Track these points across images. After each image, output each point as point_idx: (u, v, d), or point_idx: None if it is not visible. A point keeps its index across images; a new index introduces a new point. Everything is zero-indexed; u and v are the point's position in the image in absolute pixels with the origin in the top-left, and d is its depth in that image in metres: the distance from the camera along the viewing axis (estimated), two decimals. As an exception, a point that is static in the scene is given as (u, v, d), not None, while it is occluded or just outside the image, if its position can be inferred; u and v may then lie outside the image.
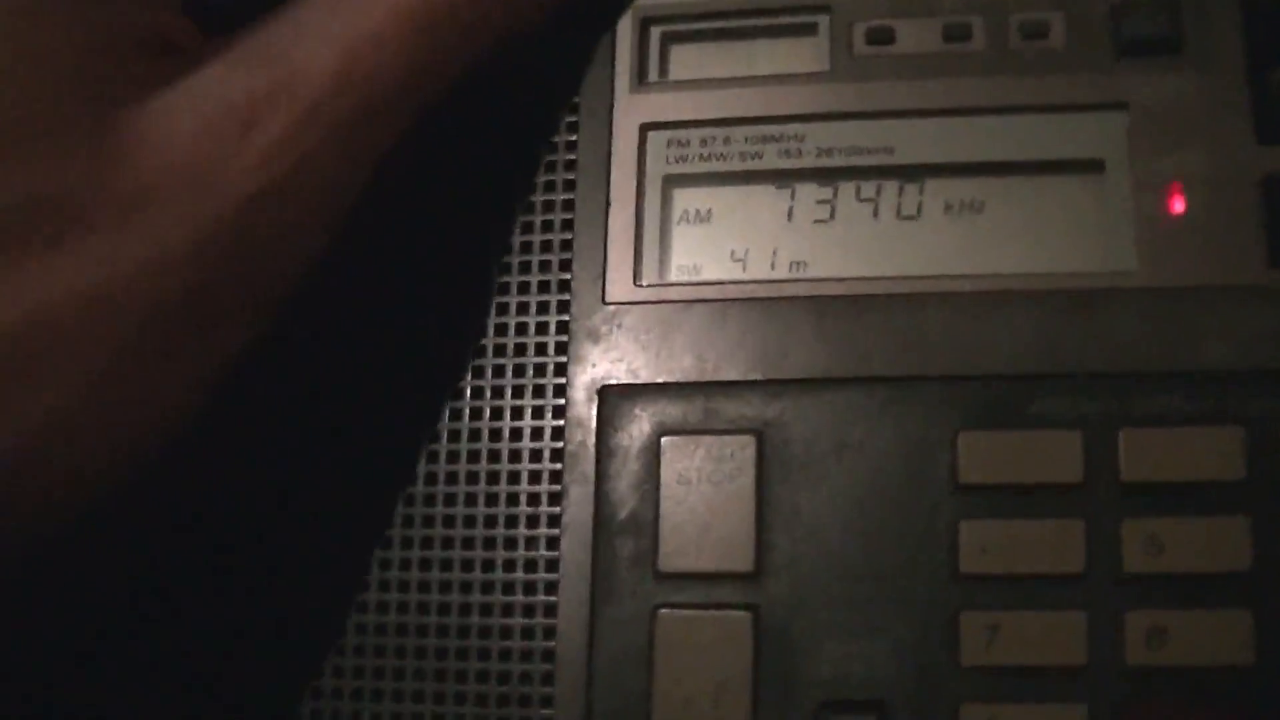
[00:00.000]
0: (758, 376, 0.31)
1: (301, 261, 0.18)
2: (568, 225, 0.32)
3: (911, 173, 0.32)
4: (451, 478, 0.31)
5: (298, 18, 0.17)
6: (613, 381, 0.31)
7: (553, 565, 0.31)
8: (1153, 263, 0.31)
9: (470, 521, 0.31)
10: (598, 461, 0.31)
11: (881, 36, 0.32)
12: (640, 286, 0.32)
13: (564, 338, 0.32)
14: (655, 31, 0.34)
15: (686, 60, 0.33)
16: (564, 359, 0.32)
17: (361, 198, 0.17)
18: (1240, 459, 0.29)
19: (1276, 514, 0.29)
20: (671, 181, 0.33)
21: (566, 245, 0.32)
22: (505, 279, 0.32)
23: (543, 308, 0.32)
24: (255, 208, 0.18)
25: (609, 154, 0.32)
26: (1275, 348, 0.30)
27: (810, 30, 0.33)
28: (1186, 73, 0.32)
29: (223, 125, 0.17)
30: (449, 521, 0.31)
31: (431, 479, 0.31)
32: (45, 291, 0.16)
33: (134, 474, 0.17)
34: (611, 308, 0.32)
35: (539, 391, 0.31)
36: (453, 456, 0.31)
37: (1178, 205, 0.31)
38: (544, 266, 0.32)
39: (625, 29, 0.33)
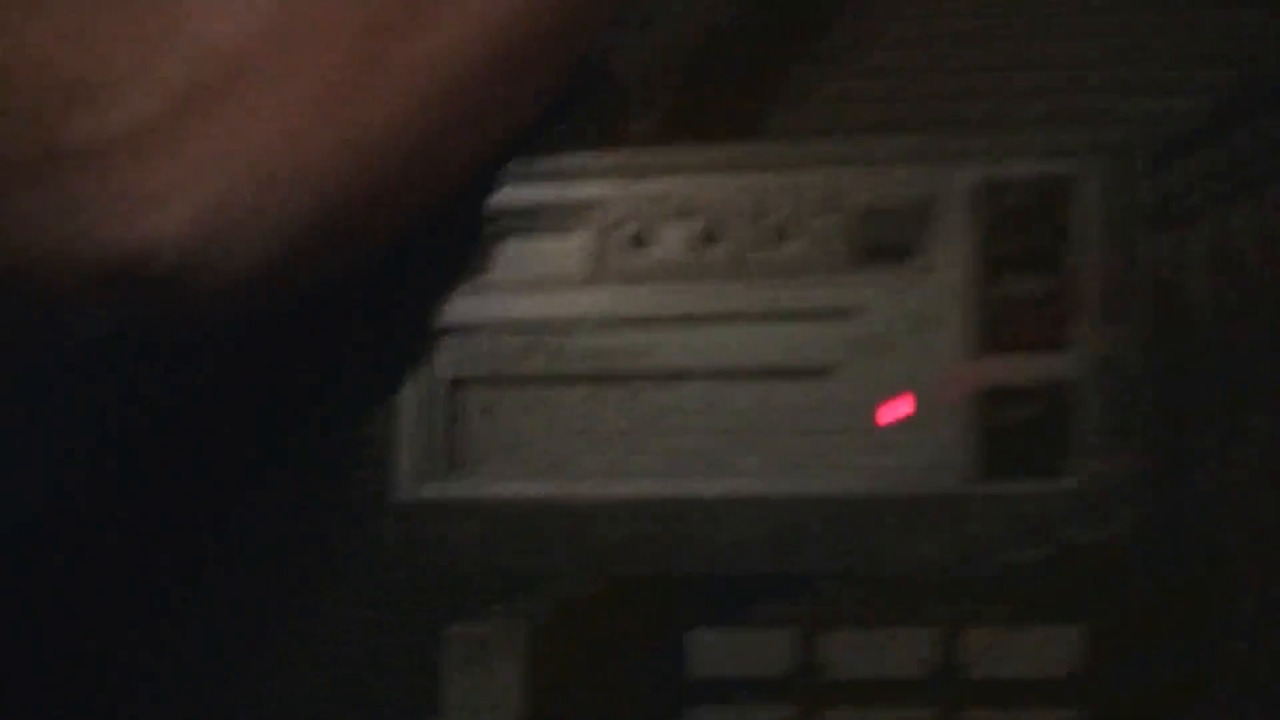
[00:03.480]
0: (528, 577, 0.35)
1: None
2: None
3: (667, 378, 0.35)
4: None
5: None
6: (402, 580, 0.36)
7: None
8: (872, 471, 0.33)
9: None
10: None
11: (641, 240, 0.35)
12: (424, 486, 0.36)
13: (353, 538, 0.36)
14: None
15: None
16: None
17: None
18: (933, 657, 0.33)
19: (962, 708, 0.32)
20: (458, 384, 0.36)
21: (356, 447, 0.36)
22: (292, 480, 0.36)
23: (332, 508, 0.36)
24: None
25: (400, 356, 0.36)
26: (975, 552, 0.33)
27: (576, 230, 0.36)
28: (914, 281, 0.34)
29: None
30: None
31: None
32: None
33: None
34: (399, 508, 0.36)
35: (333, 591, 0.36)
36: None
37: (899, 413, 0.34)
38: (334, 469, 0.36)
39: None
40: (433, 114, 0.32)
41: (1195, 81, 0.38)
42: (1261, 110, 0.35)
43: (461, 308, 0.36)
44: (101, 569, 0.37)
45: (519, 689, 0.35)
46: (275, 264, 0.31)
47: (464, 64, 0.32)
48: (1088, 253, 0.33)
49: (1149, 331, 0.32)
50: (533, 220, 0.36)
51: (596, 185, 0.36)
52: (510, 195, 0.36)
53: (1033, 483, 0.33)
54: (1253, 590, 0.36)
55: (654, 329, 0.35)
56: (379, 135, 0.31)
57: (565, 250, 0.36)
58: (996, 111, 0.37)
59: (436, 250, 0.36)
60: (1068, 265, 0.33)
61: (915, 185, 0.34)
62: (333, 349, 0.36)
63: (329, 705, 0.36)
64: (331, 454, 0.36)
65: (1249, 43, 0.38)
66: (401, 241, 0.34)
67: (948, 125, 0.34)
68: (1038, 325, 0.33)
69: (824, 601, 0.33)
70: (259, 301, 0.31)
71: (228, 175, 0.30)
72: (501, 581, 0.35)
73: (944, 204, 0.33)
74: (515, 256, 0.36)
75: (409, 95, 0.32)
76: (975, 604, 0.33)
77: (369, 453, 0.36)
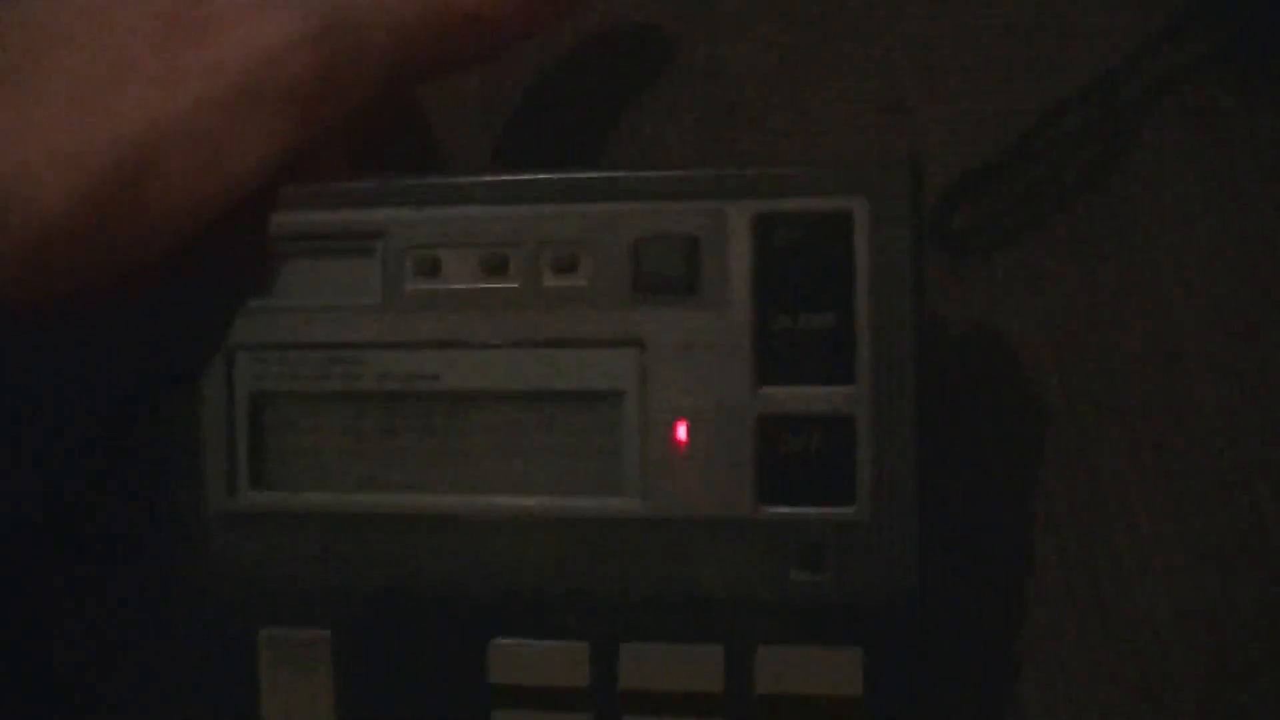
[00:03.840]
0: (332, 584, 0.37)
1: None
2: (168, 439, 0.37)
3: (456, 399, 0.36)
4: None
5: None
6: (218, 582, 0.38)
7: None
8: (658, 494, 0.35)
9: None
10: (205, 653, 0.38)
11: (429, 268, 0.36)
12: (233, 497, 0.37)
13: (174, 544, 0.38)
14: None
15: (272, 280, 0.37)
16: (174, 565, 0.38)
17: None
18: (719, 673, 0.35)
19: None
20: (260, 397, 0.37)
21: (169, 457, 0.37)
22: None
23: (153, 517, 0.38)
24: None
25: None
26: (758, 575, 0.35)
27: (369, 253, 0.36)
28: (699, 312, 0.34)
29: None
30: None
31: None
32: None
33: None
34: (214, 517, 0.37)
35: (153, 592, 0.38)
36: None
37: (681, 439, 0.35)
38: (150, 477, 0.37)
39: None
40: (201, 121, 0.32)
41: (978, 120, 0.38)
42: (1044, 149, 0.36)
43: (259, 326, 0.36)
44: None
45: (330, 693, 0.36)
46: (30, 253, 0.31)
47: (239, 82, 0.33)
48: (863, 288, 0.33)
49: (918, 368, 0.33)
50: (326, 243, 0.36)
51: (386, 211, 0.35)
52: (306, 218, 0.36)
53: (813, 510, 0.34)
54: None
55: (447, 352, 0.35)
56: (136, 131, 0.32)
57: (358, 273, 0.36)
58: (778, 150, 0.37)
59: (231, 267, 0.36)
60: (845, 300, 0.33)
61: (694, 218, 0.34)
62: (126, 358, 0.36)
63: (154, 707, 0.38)
64: (144, 465, 0.37)
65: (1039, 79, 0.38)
66: (186, 253, 0.34)
67: (730, 163, 0.34)
68: (817, 358, 0.34)
69: (618, 617, 0.35)
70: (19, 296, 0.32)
71: None
72: (311, 589, 0.36)
73: (722, 238, 0.34)
74: (310, 278, 0.36)
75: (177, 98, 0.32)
76: (762, 624, 0.34)
77: (179, 464, 0.37)
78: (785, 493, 0.34)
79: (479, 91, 0.44)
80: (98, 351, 0.35)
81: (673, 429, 0.34)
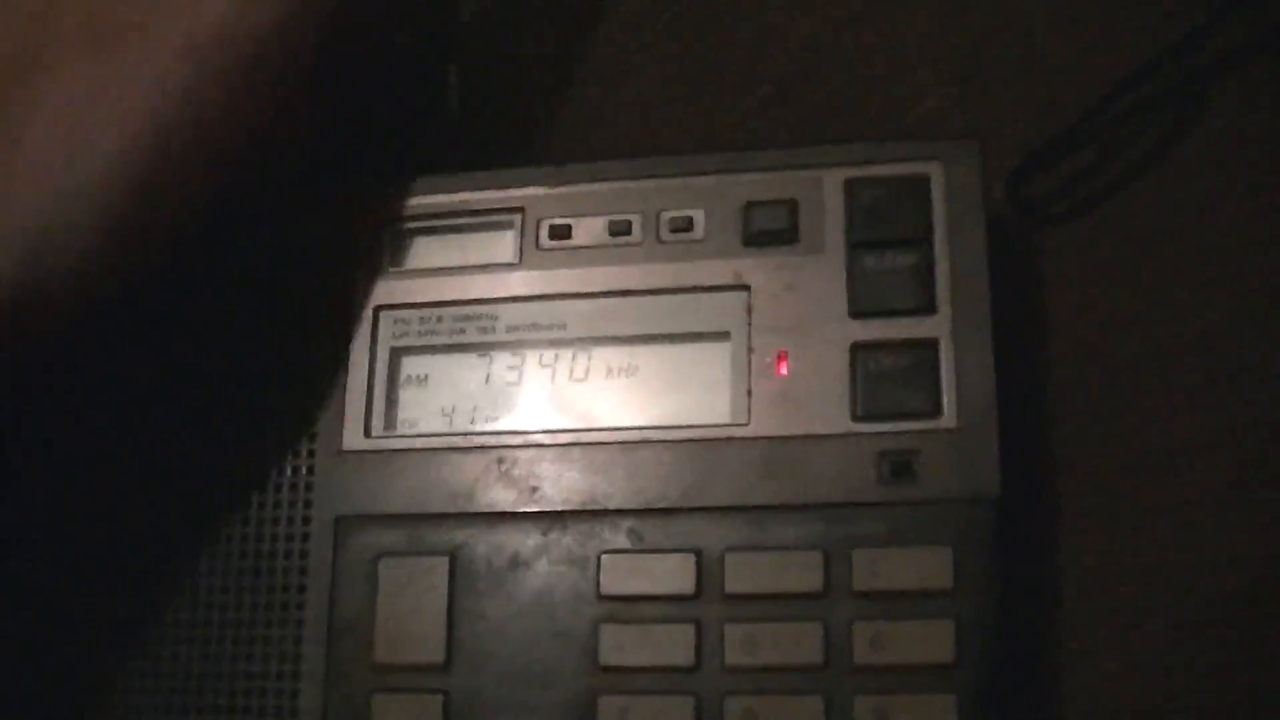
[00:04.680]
0: (452, 510, 0.40)
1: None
2: (315, 387, 0.41)
3: (581, 344, 0.41)
4: (209, 588, 0.41)
5: None
6: (346, 514, 0.40)
7: (293, 658, 0.40)
8: (762, 417, 0.39)
9: (230, 622, 0.40)
10: (333, 577, 0.40)
11: (561, 233, 0.41)
12: (369, 438, 0.41)
13: (311, 477, 0.41)
14: (387, 229, 0.43)
15: (413, 251, 0.42)
16: (311, 496, 0.41)
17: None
18: (820, 575, 0.38)
19: (846, 618, 0.37)
20: (398, 352, 0.42)
21: (314, 404, 0.41)
22: (265, 429, 0.41)
23: (295, 454, 0.41)
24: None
25: (350, 330, 0.42)
26: (853, 485, 0.38)
27: (506, 227, 0.42)
28: (798, 259, 0.40)
29: None
30: (209, 623, 0.40)
31: (194, 589, 0.41)
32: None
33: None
34: (346, 454, 0.41)
35: (291, 521, 0.41)
36: (212, 568, 0.41)
37: (784, 369, 0.39)
38: (296, 421, 0.41)
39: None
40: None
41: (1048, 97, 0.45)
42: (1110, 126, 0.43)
43: (398, 289, 0.41)
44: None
45: (443, 617, 0.39)
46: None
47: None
48: (941, 235, 0.39)
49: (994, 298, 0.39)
50: (468, 220, 0.42)
51: (525, 190, 0.42)
52: (448, 198, 0.42)
53: (903, 424, 0.38)
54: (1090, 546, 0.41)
55: (574, 302, 0.40)
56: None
57: (495, 243, 0.42)
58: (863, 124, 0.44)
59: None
60: (925, 245, 0.39)
61: (794, 185, 0.40)
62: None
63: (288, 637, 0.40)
64: (287, 408, 0.41)
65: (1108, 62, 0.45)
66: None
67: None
68: (902, 292, 0.39)
69: (724, 529, 0.38)
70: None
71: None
72: (432, 518, 0.40)
73: (818, 199, 0.40)
74: (447, 248, 0.42)
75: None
76: (859, 528, 0.38)
77: (320, 409, 0.41)
78: (877, 410, 0.39)
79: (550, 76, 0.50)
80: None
81: (775, 361, 0.39)
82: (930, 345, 0.39)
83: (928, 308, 0.39)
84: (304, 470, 0.41)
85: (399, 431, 0.41)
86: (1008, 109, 0.46)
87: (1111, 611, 0.40)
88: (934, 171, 0.40)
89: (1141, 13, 0.45)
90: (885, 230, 0.40)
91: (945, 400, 0.38)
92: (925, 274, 0.39)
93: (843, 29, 0.48)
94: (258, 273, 0.42)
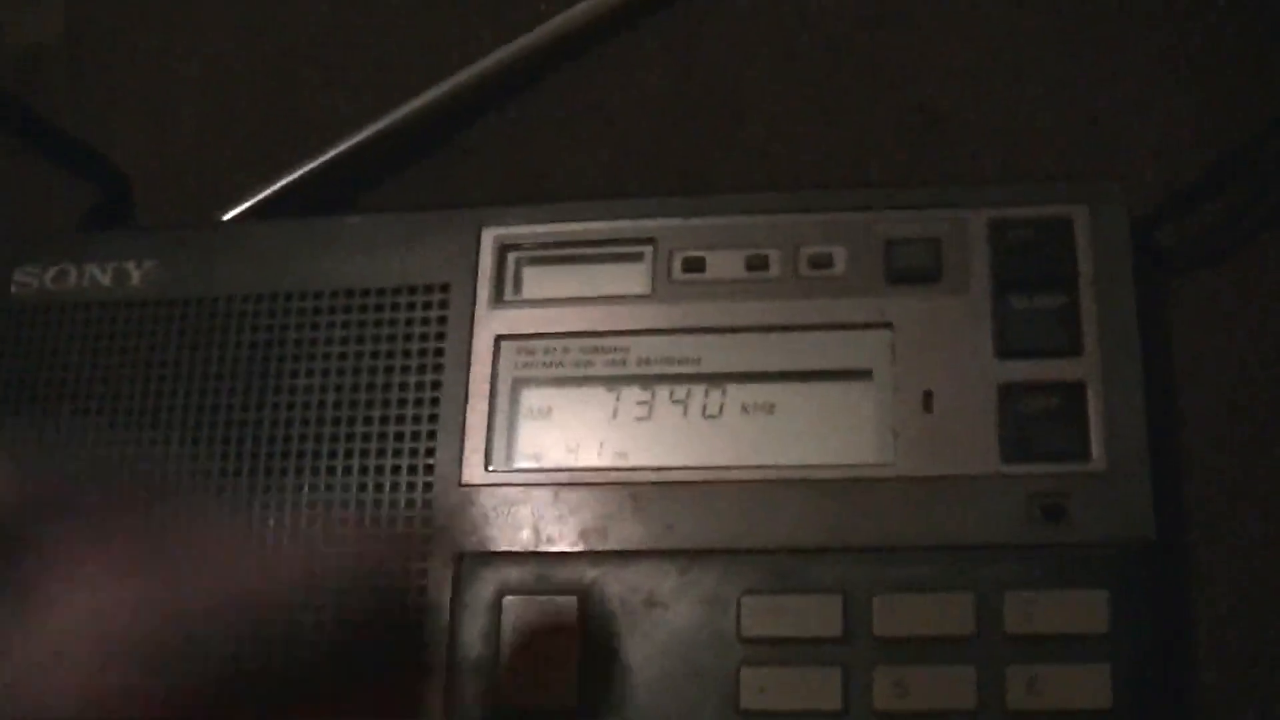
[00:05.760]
0: (582, 548, 0.38)
1: None
2: (433, 419, 0.39)
3: (715, 380, 0.39)
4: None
5: None
6: (466, 550, 0.38)
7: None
8: (907, 456, 0.38)
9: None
10: (452, 615, 0.38)
11: (695, 265, 0.40)
12: (490, 471, 0.39)
13: (428, 512, 0.39)
14: (511, 257, 0.41)
15: (537, 281, 0.41)
16: (428, 530, 0.39)
17: None
18: (972, 617, 0.36)
19: (1000, 663, 0.36)
20: (519, 383, 0.40)
21: (431, 435, 0.39)
22: (380, 462, 0.39)
23: (411, 487, 0.39)
24: None
25: (469, 360, 0.40)
26: (1004, 526, 0.37)
27: (637, 258, 0.40)
28: (942, 298, 0.39)
29: None
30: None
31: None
32: None
33: None
34: (466, 489, 0.39)
35: (406, 555, 0.38)
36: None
37: (930, 409, 0.38)
38: (413, 453, 0.39)
39: (487, 252, 0.41)
40: None
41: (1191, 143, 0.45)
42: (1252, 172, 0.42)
43: (522, 319, 0.40)
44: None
45: (573, 661, 0.37)
46: None
47: None
48: (1087, 276, 0.38)
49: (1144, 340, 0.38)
50: (596, 249, 0.41)
51: (657, 221, 0.41)
52: (573, 227, 0.41)
53: (1053, 466, 0.37)
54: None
55: (708, 336, 0.39)
56: None
57: (625, 275, 0.40)
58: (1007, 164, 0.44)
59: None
60: (1071, 286, 0.39)
61: (937, 223, 0.40)
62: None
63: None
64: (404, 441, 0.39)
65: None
66: None
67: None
68: (1049, 334, 0.38)
69: (870, 570, 0.37)
70: None
71: None
72: (558, 556, 0.38)
73: (961, 238, 0.39)
74: (574, 279, 0.40)
75: None
76: (1010, 570, 0.37)
77: (438, 442, 0.39)
78: (1027, 451, 0.38)
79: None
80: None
81: (920, 400, 0.38)
82: (1079, 387, 0.38)
83: (1074, 350, 0.38)
84: (419, 504, 0.39)
85: (521, 465, 0.39)
86: (1126, 153, 0.46)
87: (1273, 657, 0.39)
88: (1078, 213, 0.39)
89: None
90: (1032, 271, 0.39)
91: (1094, 442, 0.37)
92: (1072, 316, 0.38)
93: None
94: (374, 300, 0.41)
